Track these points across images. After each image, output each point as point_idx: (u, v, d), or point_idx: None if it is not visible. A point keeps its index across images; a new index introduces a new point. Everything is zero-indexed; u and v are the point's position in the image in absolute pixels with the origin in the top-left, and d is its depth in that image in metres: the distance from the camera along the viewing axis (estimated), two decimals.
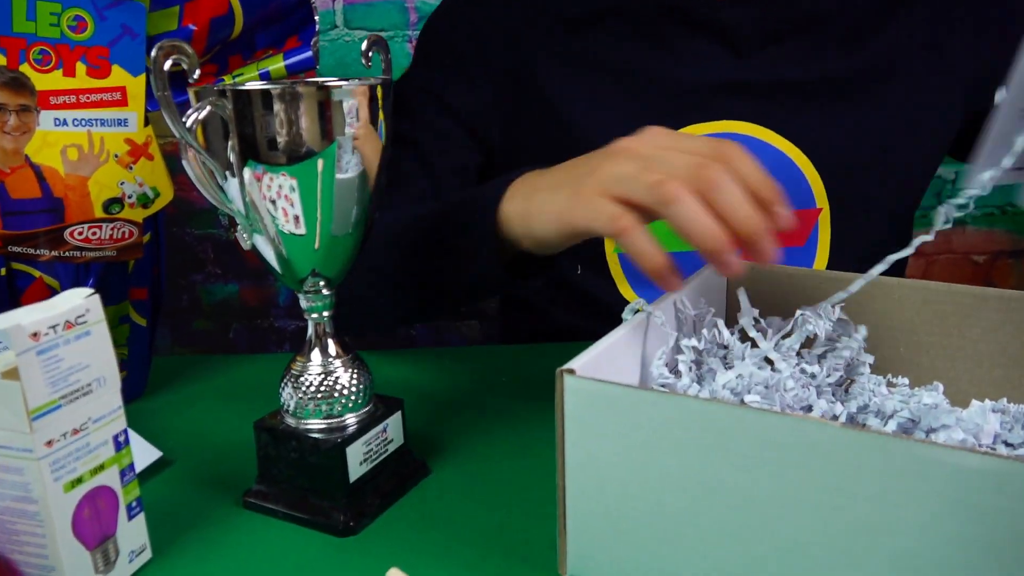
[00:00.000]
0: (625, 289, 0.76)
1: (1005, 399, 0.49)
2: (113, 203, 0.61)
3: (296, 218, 0.47)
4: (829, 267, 0.77)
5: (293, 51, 0.63)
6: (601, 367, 0.44)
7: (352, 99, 0.46)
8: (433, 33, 0.82)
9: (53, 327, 0.40)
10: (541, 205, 0.51)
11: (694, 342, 0.48)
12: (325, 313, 0.51)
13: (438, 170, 0.77)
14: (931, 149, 0.78)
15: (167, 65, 0.42)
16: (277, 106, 0.44)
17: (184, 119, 0.43)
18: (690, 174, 0.43)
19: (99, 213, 0.61)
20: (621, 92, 0.73)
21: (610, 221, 0.45)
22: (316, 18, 0.65)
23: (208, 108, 0.44)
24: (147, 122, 0.61)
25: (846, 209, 0.75)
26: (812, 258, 0.77)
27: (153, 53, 0.41)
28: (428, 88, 0.78)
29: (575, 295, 0.79)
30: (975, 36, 0.75)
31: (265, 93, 0.44)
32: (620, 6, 0.73)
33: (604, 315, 0.59)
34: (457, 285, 0.60)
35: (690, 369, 0.48)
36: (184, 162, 0.45)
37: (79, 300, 0.42)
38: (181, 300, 1.47)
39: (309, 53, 0.62)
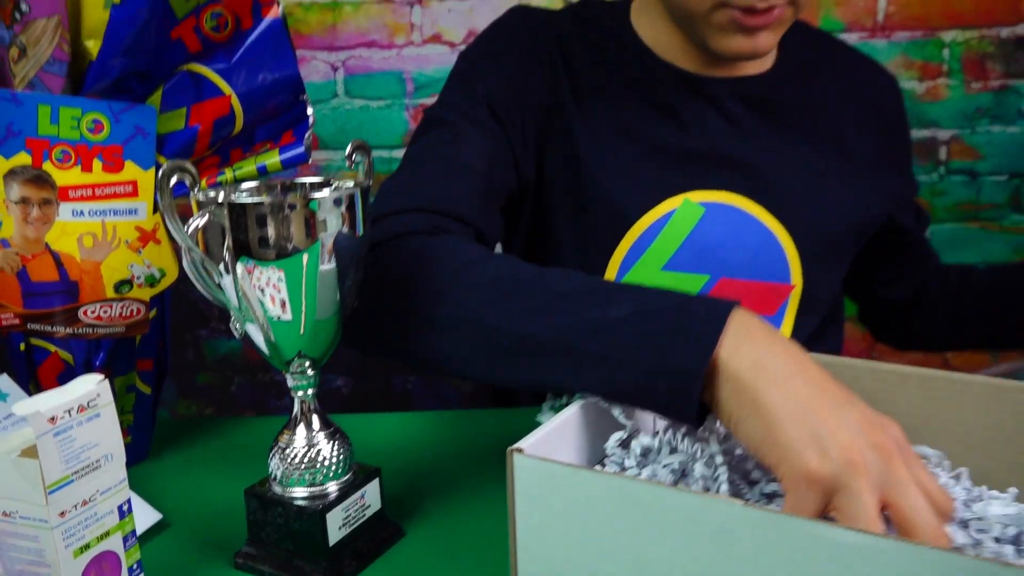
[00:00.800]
0: None
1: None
2: (123, 284, 0.67)
3: (283, 304, 0.53)
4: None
5: (288, 146, 0.69)
6: (552, 444, 0.49)
7: (335, 206, 0.52)
8: (490, 57, 0.81)
9: (68, 411, 0.46)
10: (768, 411, 0.44)
11: (644, 439, 0.52)
12: (310, 391, 0.57)
13: (499, 175, 0.76)
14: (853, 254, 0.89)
15: (172, 181, 0.48)
16: (268, 215, 0.50)
17: (186, 227, 0.49)
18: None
19: (110, 293, 0.67)
20: (636, 153, 0.79)
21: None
22: (310, 115, 0.71)
23: (207, 216, 0.50)
24: (155, 209, 0.68)
25: (812, 288, 0.81)
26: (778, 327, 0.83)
27: (160, 172, 0.48)
28: (491, 103, 0.77)
29: None
30: (889, 168, 0.88)
31: (258, 205, 0.50)
32: (641, 78, 0.79)
33: None
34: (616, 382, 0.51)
35: (633, 448, 0.53)
36: (184, 262, 0.51)
37: (91, 386, 0.48)
38: (186, 354, 1.53)
39: (302, 149, 0.69)
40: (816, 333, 0.85)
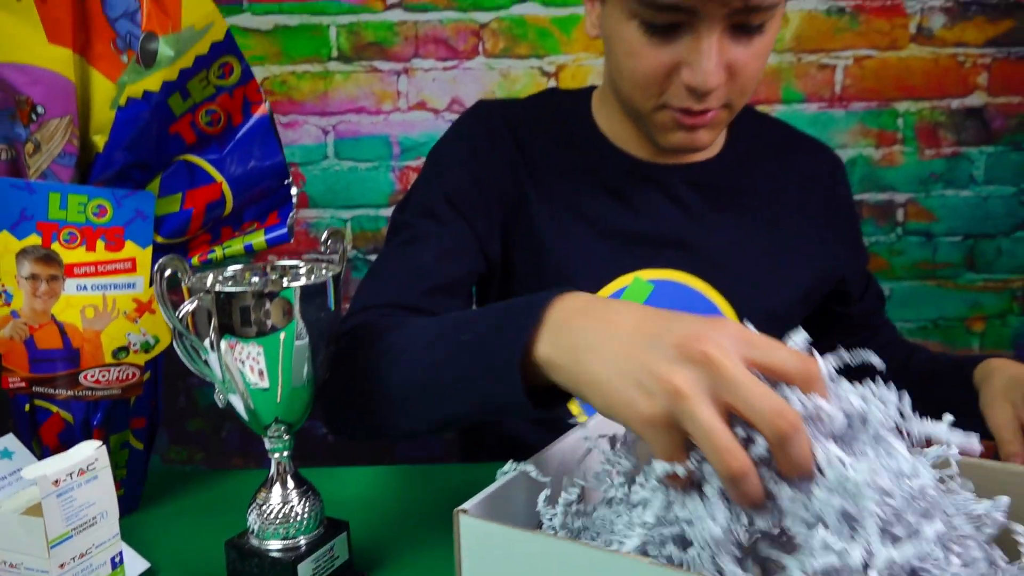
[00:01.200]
0: (573, 405, 0.88)
1: None
2: (120, 350, 0.74)
3: (262, 374, 0.60)
4: None
5: (273, 227, 0.77)
6: (501, 503, 0.56)
7: (309, 292, 0.59)
8: (453, 154, 0.89)
9: (70, 474, 0.53)
10: (592, 382, 0.48)
11: (575, 502, 0.58)
12: (285, 453, 0.64)
13: (454, 266, 0.83)
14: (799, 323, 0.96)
15: (167, 273, 0.56)
16: (250, 301, 0.57)
17: (177, 312, 0.56)
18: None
19: (108, 359, 0.74)
20: (592, 235, 0.86)
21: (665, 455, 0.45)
22: (293, 197, 0.79)
23: (196, 302, 0.57)
24: (151, 282, 0.75)
25: None
26: None
27: (156, 266, 0.55)
28: (452, 200, 0.85)
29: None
30: (834, 243, 0.95)
31: (242, 294, 0.57)
32: (596, 164, 0.87)
33: (552, 427, 0.70)
34: (475, 405, 0.58)
35: (573, 512, 0.59)
36: (174, 342, 0.59)
37: (91, 450, 0.54)
38: (178, 401, 1.60)
39: (284, 230, 0.76)
40: None
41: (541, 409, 0.53)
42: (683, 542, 0.49)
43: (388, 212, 1.53)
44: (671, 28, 0.70)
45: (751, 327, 0.47)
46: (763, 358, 0.44)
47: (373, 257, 1.54)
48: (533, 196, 0.86)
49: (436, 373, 0.59)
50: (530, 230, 0.86)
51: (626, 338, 0.47)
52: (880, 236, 1.55)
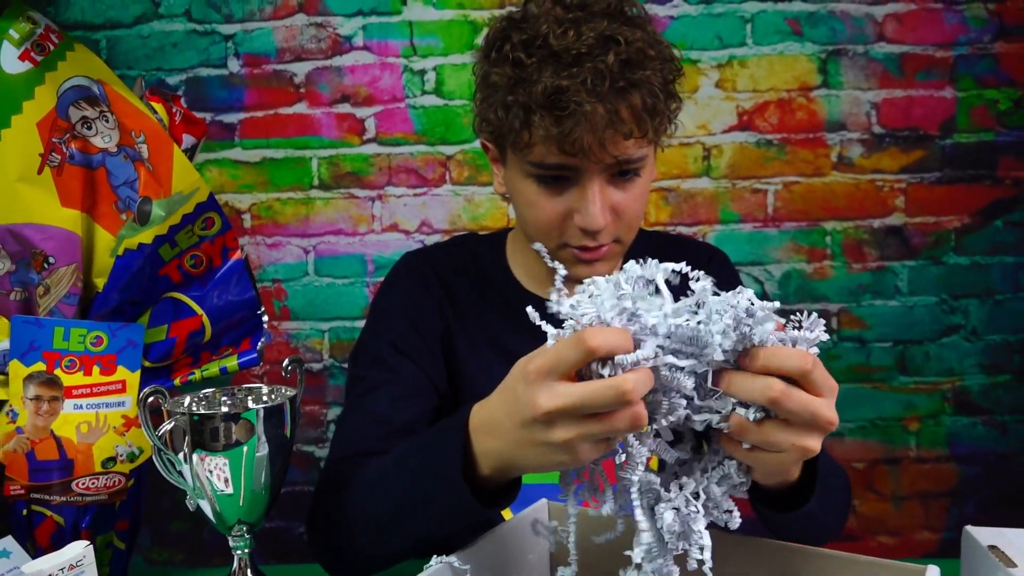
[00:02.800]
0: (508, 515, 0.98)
1: None
2: (109, 460, 0.86)
3: (226, 481, 0.72)
4: None
5: (245, 352, 0.89)
6: None
7: (271, 414, 0.71)
8: (391, 305, 0.99)
9: (61, 569, 0.63)
10: (524, 464, 0.61)
11: None
12: (246, 550, 0.75)
13: (409, 407, 0.92)
14: None
15: (150, 400, 0.68)
16: (219, 423, 0.69)
17: (157, 431, 0.68)
18: None
19: (98, 468, 0.85)
20: (507, 365, 0.98)
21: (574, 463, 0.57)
22: (264, 325, 0.92)
23: (173, 423, 0.69)
24: (138, 406, 0.87)
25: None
26: None
27: (140, 395, 0.68)
28: (398, 347, 0.95)
29: None
30: None
31: (212, 416, 0.69)
32: (510, 304, 0.98)
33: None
34: (434, 522, 0.69)
35: None
36: (154, 457, 0.70)
37: (79, 549, 0.65)
38: (161, 503, 1.69)
39: (255, 355, 0.89)
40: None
41: (490, 507, 0.65)
42: None
43: (363, 324, 1.66)
44: (560, 180, 0.83)
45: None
46: (559, 367, 0.55)
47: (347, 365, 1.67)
48: (457, 331, 0.98)
49: (399, 499, 0.71)
50: (457, 364, 0.97)
51: (511, 428, 0.60)
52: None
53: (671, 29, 1.62)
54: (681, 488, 0.59)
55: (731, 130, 1.65)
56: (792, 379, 0.54)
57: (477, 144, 1.66)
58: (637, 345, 0.54)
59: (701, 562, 0.57)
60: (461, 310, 0.99)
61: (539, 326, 0.98)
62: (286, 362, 0.77)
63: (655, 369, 0.54)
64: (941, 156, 1.65)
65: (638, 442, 0.57)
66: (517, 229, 1.03)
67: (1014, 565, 0.65)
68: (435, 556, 0.68)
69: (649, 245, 1.07)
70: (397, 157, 1.66)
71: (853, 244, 1.67)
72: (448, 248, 1.06)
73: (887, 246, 1.67)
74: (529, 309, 0.60)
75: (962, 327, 1.68)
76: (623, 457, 0.57)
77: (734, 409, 0.56)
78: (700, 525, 0.57)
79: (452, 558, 0.69)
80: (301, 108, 1.65)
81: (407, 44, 1.64)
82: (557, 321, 1.01)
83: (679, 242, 1.10)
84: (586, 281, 0.58)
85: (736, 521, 0.59)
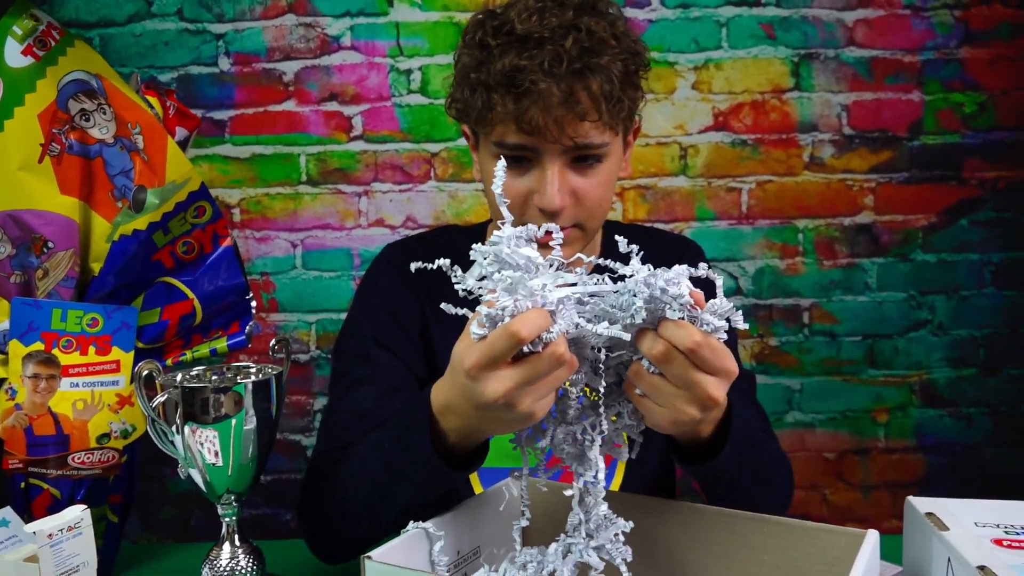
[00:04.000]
0: (479, 490, 1.03)
1: None
2: (103, 436, 0.90)
3: (216, 454, 0.76)
4: (622, 487, 1.04)
5: (234, 335, 0.94)
6: (399, 555, 0.71)
7: (256, 388, 0.76)
8: (371, 299, 1.02)
9: (61, 529, 0.68)
10: (489, 432, 0.70)
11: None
12: (234, 518, 0.79)
13: (393, 402, 0.93)
14: None
15: (144, 373, 0.73)
16: (210, 395, 0.74)
17: (151, 403, 0.73)
18: None
19: (93, 444, 0.90)
20: None
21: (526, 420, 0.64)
22: (252, 309, 0.97)
23: (167, 396, 0.74)
24: (131, 380, 0.92)
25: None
26: (609, 483, 1.04)
27: (136, 367, 0.72)
28: (380, 340, 0.98)
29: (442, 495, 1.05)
30: None
31: (202, 388, 0.74)
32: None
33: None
34: (414, 495, 0.75)
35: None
36: (148, 427, 0.75)
37: (78, 512, 0.70)
38: (151, 490, 1.73)
39: (243, 337, 0.94)
40: (656, 470, 1.06)
41: (462, 471, 0.72)
42: None
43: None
44: (522, 161, 0.87)
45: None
46: (497, 359, 0.61)
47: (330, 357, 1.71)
48: (434, 322, 1.01)
49: (379, 480, 0.77)
50: (434, 353, 1.01)
51: (471, 412, 0.67)
52: (789, 336, 1.74)
53: (649, 32, 1.68)
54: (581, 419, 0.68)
55: (707, 130, 1.71)
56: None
57: (461, 142, 1.71)
58: (554, 315, 0.61)
59: (593, 483, 0.67)
60: (436, 299, 1.03)
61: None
62: (273, 341, 0.82)
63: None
64: (909, 157, 1.71)
65: (570, 384, 0.66)
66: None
67: (946, 528, 0.71)
68: (411, 522, 0.72)
69: (625, 237, 1.11)
70: (383, 154, 1.71)
71: (824, 241, 1.73)
72: (428, 239, 1.10)
73: (857, 243, 1.73)
74: (444, 305, 0.70)
75: (929, 322, 1.74)
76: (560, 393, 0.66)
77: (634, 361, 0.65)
78: (594, 453, 0.67)
79: (428, 524, 0.74)
80: (290, 106, 1.70)
81: (393, 44, 1.69)
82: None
83: (655, 235, 1.14)
84: (476, 253, 0.68)
85: (624, 455, 0.69)
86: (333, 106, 1.70)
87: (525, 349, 0.60)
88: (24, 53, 0.83)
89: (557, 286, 0.62)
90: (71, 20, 1.65)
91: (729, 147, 1.71)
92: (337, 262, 1.73)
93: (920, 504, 0.77)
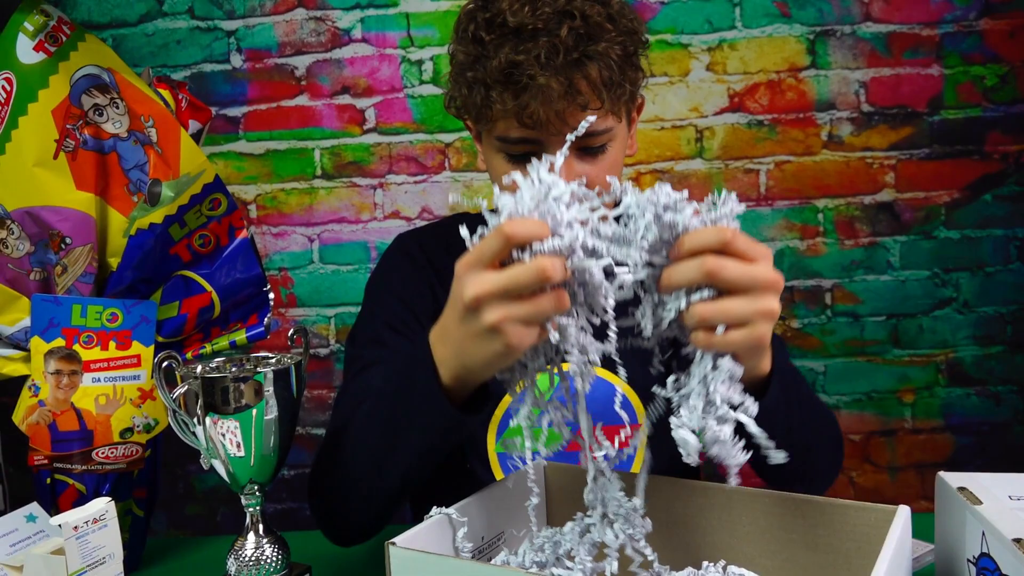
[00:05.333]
0: (500, 476, 1.03)
1: None
2: (127, 431, 0.91)
3: (238, 445, 0.76)
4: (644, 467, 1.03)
5: (253, 327, 0.94)
6: (422, 541, 0.70)
7: (276, 377, 0.76)
8: (384, 285, 1.04)
9: (86, 522, 0.68)
10: (470, 361, 0.67)
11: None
12: (258, 508, 0.79)
13: None
14: None
15: (164, 364, 0.73)
16: (229, 385, 0.74)
17: (172, 394, 0.73)
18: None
19: (116, 439, 0.90)
20: None
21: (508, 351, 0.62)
22: (271, 301, 0.96)
23: (187, 387, 0.74)
24: (153, 373, 0.92)
25: (656, 426, 1.03)
26: (632, 460, 1.04)
27: (156, 359, 0.72)
28: (392, 324, 1.00)
29: (464, 483, 1.05)
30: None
31: (222, 378, 0.74)
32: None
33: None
34: (421, 440, 0.74)
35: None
36: (169, 418, 0.75)
37: (103, 505, 0.70)
38: (177, 487, 1.74)
39: (262, 329, 0.94)
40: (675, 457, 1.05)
41: (467, 413, 0.70)
42: None
43: None
44: (527, 155, 0.85)
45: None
46: (484, 257, 0.60)
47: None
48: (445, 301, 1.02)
49: (384, 427, 0.76)
50: None
51: (454, 328, 0.66)
52: (811, 318, 1.72)
53: (662, 14, 1.66)
54: (689, 399, 0.63)
55: (723, 112, 1.69)
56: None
57: None
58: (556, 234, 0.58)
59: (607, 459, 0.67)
60: (448, 286, 1.03)
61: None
62: (292, 331, 0.82)
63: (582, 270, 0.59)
64: (930, 133, 1.68)
65: (565, 334, 0.62)
66: None
67: (980, 503, 0.69)
68: (434, 507, 0.72)
69: None
70: (397, 146, 1.70)
71: (845, 221, 1.71)
72: (439, 227, 1.10)
73: (878, 222, 1.71)
74: (461, 227, 0.64)
75: (954, 300, 1.72)
76: (556, 335, 0.61)
77: (688, 307, 0.60)
78: (726, 423, 0.61)
79: (451, 510, 0.73)
80: (303, 100, 1.69)
81: (404, 35, 1.68)
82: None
83: None
84: (498, 197, 0.63)
85: (754, 408, 0.62)
86: (346, 99, 1.69)
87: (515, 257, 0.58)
88: (36, 49, 0.83)
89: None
90: (83, 22, 1.66)
91: (746, 128, 1.69)
92: (354, 255, 1.73)
93: (952, 479, 0.75)
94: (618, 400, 1.01)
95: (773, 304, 0.61)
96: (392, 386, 0.76)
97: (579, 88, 0.81)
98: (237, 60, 1.69)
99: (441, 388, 0.69)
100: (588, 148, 0.86)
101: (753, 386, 0.72)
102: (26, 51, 0.83)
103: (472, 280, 0.60)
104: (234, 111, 1.69)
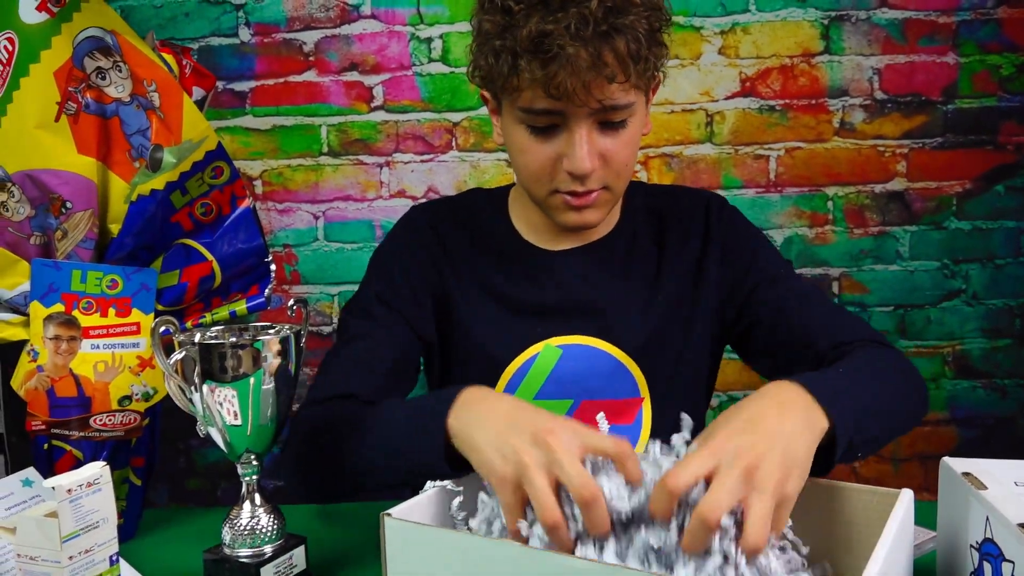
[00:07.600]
0: None
1: None
2: (125, 399, 0.90)
3: (235, 413, 0.75)
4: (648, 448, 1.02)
5: (253, 297, 0.93)
6: (426, 511, 0.69)
7: (274, 346, 0.75)
8: (386, 257, 1.05)
9: (80, 485, 0.67)
10: (473, 447, 0.68)
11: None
12: (254, 477, 0.78)
13: (386, 358, 0.98)
14: (710, 352, 1.06)
15: (161, 329, 0.72)
16: (227, 352, 0.73)
17: (169, 360, 0.72)
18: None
19: (114, 406, 0.89)
20: (503, 310, 1.02)
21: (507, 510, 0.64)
22: (272, 271, 0.96)
23: (184, 353, 0.73)
24: (151, 335, 0.91)
25: (660, 397, 1.02)
26: (638, 434, 1.04)
27: (152, 324, 0.71)
28: (383, 298, 1.01)
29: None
30: (721, 266, 1.02)
31: (220, 345, 0.73)
32: (507, 253, 1.03)
33: None
34: (403, 471, 0.77)
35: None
36: (167, 383, 0.74)
37: (97, 468, 0.69)
38: (178, 462, 1.74)
39: (262, 299, 0.93)
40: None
41: (453, 470, 0.72)
42: None
43: None
44: (549, 128, 0.87)
45: (604, 424, 0.70)
46: (591, 444, 0.63)
47: None
48: (453, 284, 1.01)
49: (390, 442, 0.78)
50: (455, 316, 1.01)
51: (500, 421, 0.67)
52: None
53: None
54: None
55: (734, 96, 1.67)
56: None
57: (483, 111, 1.69)
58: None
59: None
60: (458, 262, 1.02)
61: (533, 271, 1.01)
62: (291, 301, 0.81)
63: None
64: (943, 121, 1.66)
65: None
66: (518, 184, 1.05)
67: (985, 488, 0.68)
68: (428, 481, 0.71)
69: (644, 199, 1.09)
70: (404, 124, 1.69)
71: (855, 209, 1.69)
72: (453, 201, 1.09)
73: (888, 211, 1.69)
74: None
75: (963, 291, 1.70)
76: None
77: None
78: None
79: (447, 482, 0.72)
80: (310, 76, 1.68)
81: (414, 12, 1.66)
82: (555, 263, 1.01)
83: (672, 192, 1.11)
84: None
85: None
86: (354, 76, 1.68)
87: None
88: (39, 9, 0.82)
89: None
90: None
91: (756, 113, 1.67)
92: (359, 233, 1.72)
93: (957, 464, 0.74)
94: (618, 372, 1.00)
95: (756, 501, 0.59)
96: (402, 414, 0.78)
97: (606, 60, 0.81)
98: (245, 34, 1.67)
99: (445, 455, 0.71)
100: (609, 123, 0.86)
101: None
102: (29, 11, 0.82)
103: (567, 440, 0.62)
104: (241, 86, 1.68)
